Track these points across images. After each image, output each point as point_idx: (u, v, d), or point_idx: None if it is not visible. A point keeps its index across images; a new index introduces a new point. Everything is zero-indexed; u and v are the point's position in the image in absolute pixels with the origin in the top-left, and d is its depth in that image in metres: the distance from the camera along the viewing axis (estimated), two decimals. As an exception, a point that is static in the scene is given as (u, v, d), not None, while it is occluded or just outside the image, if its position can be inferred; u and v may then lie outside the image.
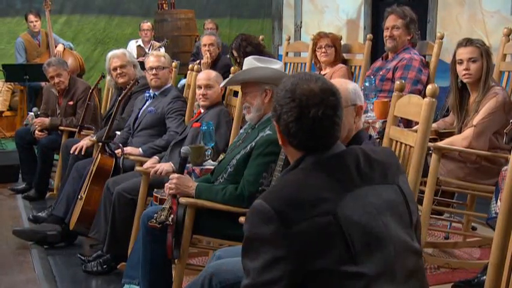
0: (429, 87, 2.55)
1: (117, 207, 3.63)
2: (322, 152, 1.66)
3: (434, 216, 3.72)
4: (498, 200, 2.65)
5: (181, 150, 3.15)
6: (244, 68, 3.11)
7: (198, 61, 5.84)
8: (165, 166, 3.59)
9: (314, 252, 1.54)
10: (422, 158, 2.52)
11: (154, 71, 4.30)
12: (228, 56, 7.41)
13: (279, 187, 1.67)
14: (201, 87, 3.83)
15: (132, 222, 3.58)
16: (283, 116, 1.66)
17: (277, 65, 3.08)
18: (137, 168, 3.75)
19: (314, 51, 4.97)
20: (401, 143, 2.73)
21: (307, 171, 1.65)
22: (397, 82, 2.93)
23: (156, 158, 3.88)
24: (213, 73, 3.94)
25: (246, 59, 3.14)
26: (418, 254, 1.70)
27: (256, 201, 1.59)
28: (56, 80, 5.22)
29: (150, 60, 4.35)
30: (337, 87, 1.71)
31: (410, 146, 2.61)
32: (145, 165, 3.73)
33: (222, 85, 3.46)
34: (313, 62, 5.11)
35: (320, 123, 1.64)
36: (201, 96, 3.83)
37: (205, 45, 5.56)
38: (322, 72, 4.80)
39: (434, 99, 2.53)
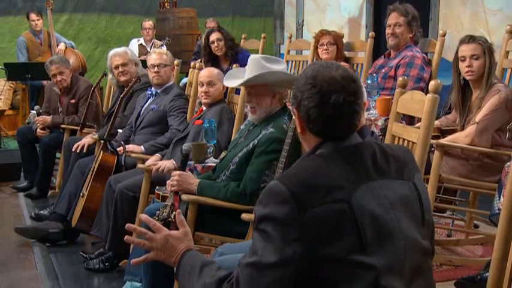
0: (432, 83, 2.54)
1: (119, 204, 3.63)
2: (340, 141, 1.66)
3: (436, 213, 3.72)
4: (501, 196, 2.64)
5: (183, 148, 3.15)
6: (251, 67, 3.06)
7: (199, 59, 5.84)
8: (167, 163, 3.60)
9: (325, 238, 1.53)
10: (425, 154, 2.52)
11: (156, 69, 4.30)
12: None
13: (295, 171, 1.65)
14: (203, 85, 3.83)
15: (134, 220, 3.58)
16: (304, 102, 1.66)
17: (282, 65, 3.08)
18: (139, 165, 3.75)
19: (316, 48, 4.97)
20: (403, 139, 2.73)
21: (325, 157, 1.64)
22: (400, 78, 2.93)
23: (158, 155, 3.88)
24: (215, 70, 3.94)
25: (252, 58, 3.09)
26: (427, 253, 1.69)
27: (273, 182, 1.59)
28: (58, 78, 5.22)
29: (152, 58, 4.35)
30: (357, 76, 1.70)
31: (413, 142, 2.61)
32: (147, 163, 3.74)
33: (237, 85, 3.39)
34: (314, 59, 5.10)
35: (341, 110, 1.64)
36: (203, 94, 3.83)
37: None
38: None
39: (437, 95, 2.53)
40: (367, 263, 1.53)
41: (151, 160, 3.79)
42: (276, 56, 5.12)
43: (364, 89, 1.73)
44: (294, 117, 1.78)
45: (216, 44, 5.53)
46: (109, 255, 3.72)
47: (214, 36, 5.55)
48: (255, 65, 3.03)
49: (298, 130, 1.74)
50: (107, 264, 3.71)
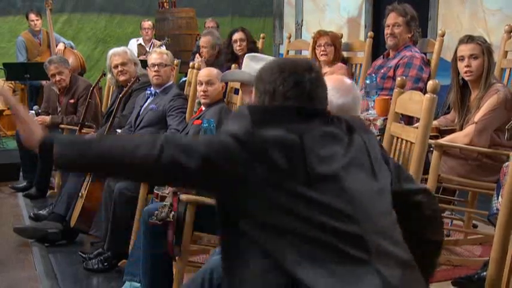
0: (430, 82, 2.55)
1: (117, 204, 3.63)
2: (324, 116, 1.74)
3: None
4: (499, 196, 2.65)
5: None
6: (243, 67, 3.13)
7: (199, 59, 5.84)
8: None
9: (271, 159, 1.58)
10: (423, 153, 2.52)
11: (156, 68, 4.30)
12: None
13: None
14: (202, 84, 3.83)
15: (132, 219, 3.58)
16: (279, 88, 1.73)
17: None
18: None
19: (314, 49, 4.96)
20: (402, 139, 2.73)
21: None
22: (398, 78, 2.93)
23: None
24: (214, 70, 3.95)
25: (249, 56, 3.19)
26: (384, 193, 1.73)
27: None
28: (57, 77, 5.22)
29: (153, 57, 4.36)
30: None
31: (412, 142, 2.61)
32: None
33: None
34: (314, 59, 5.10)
35: (316, 85, 1.74)
36: (202, 93, 3.83)
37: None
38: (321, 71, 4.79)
39: (435, 95, 2.53)
40: (309, 196, 1.58)
41: None
42: (275, 57, 5.14)
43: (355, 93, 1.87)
44: None
45: (238, 44, 5.53)
46: (108, 255, 3.71)
47: (237, 36, 5.56)
48: (245, 65, 3.12)
49: None
50: (105, 264, 3.71)
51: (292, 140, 1.61)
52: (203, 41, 5.90)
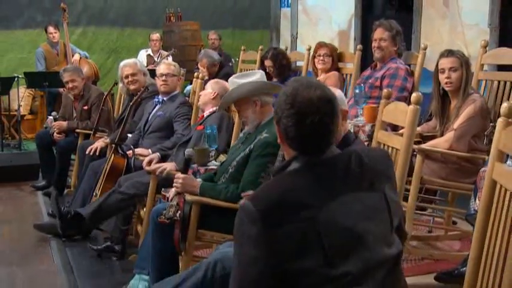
0: (414, 95, 2.55)
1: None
2: (314, 155, 1.65)
3: (418, 211, 3.71)
4: (477, 198, 2.65)
5: (186, 152, 3.15)
6: (231, 87, 3.08)
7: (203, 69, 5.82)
8: (169, 165, 3.59)
9: (292, 254, 1.53)
10: (407, 159, 2.53)
11: (164, 77, 4.31)
12: (231, 64, 7.43)
13: (266, 190, 1.65)
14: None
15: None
16: (283, 120, 1.65)
17: (257, 76, 3.07)
18: (146, 168, 3.76)
19: (314, 58, 4.97)
20: (388, 146, 2.73)
21: (296, 174, 1.64)
22: (385, 90, 2.94)
23: (157, 154, 3.92)
24: (221, 83, 3.94)
25: (229, 80, 3.11)
26: (396, 258, 1.67)
27: (245, 202, 1.59)
28: (70, 85, 5.23)
29: (161, 68, 4.38)
30: (334, 95, 1.69)
31: (397, 149, 2.61)
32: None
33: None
34: (311, 68, 5.10)
35: (316, 130, 1.63)
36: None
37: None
38: (318, 78, 4.79)
39: (418, 106, 2.54)
40: (333, 274, 1.53)
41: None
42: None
43: (338, 105, 1.69)
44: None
45: (267, 70, 5.43)
46: (117, 248, 3.77)
47: (267, 63, 5.43)
48: (231, 86, 3.05)
49: (279, 140, 1.74)
50: (115, 255, 3.75)
51: (307, 229, 1.53)
52: (200, 64, 5.85)
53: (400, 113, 2.66)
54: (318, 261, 1.52)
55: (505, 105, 1.84)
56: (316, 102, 1.62)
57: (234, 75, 3.17)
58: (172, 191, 2.99)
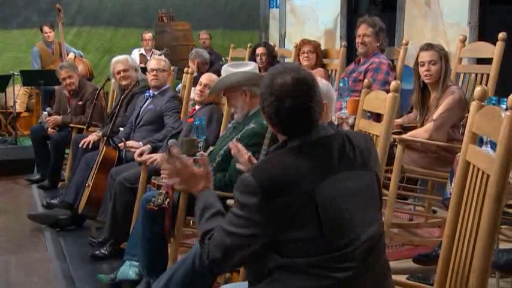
0: (393, 83, 2.57)
1: (117, 194, 3.61)
2: (305, 135, 1.65)
3: (400, 201, 3.73)
4: (452, 183, 2.66)
5: (168, 143, 3.14)
6: (222, 75, 3.08)
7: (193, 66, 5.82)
8: (159, 156, 3.58)
9: (288, 225, 1.56)
10: (387, 145, 2.54)
11: (154, 72, 4.31)
12: (221, 63, 7.43)
13: (267, 166, 1.67)
14: (201, 84, 3.83)
15: (131, 208, 3.55)
16: (266, 109, 1.68)
17: (250, 66, 3.07)
18: (137, 158, 3.74)
19: (298, 55, 4.97)
20: (369, 133, 2.73)
21: (294, 153, 1.64)
22: (366, 80, 2.94)
23: (148, 146, 3.91)
24: (213, 76, 3.93)
25: (223, 68, 3.11)
26: (379, 236, 1.69)
27: (246, 175, 1.62)
28: (68, 81, 5.21)
29: (152, 63, 4.37)
30: (311, 75, 1.70)
31: (377, 136, 2.62)
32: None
33: (208, 93, 3.48)
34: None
35: (296, 111, 1.64)
36: (198, 92, 3.83)
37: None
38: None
39: (397, 94, 2.55)
40: (325, 245, 1.57)
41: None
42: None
43: (320, 85, 1.71)
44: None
45: (260, 57, 5.43)
46: (111, 242, 3.68)
47: (260, 50, 5.45)
48: (224, 74, 3.05)
49: (269, 128, 1.77)
50: (110, 250, 3.67)
51: (304, 202, 1.56)
52: (191, 63, 5.84)
53: (381, 101, 2.68)
54: (312, 233, 1.55)
55: (478, 88, 1.85)
56: (291, 85, 1.63)
57: (228, 64, 3.19)
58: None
